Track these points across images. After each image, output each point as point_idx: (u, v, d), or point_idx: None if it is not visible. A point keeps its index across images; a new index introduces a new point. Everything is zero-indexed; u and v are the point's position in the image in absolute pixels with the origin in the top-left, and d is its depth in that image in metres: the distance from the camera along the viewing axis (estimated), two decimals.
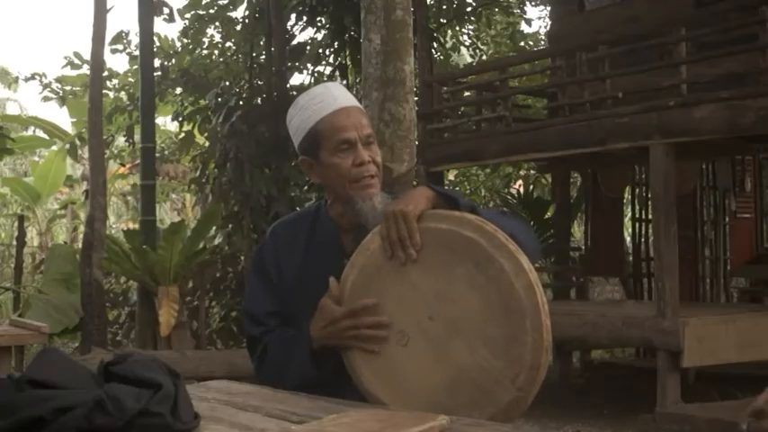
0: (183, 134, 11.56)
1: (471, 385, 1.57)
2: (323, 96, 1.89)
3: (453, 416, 1.46)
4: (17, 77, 20.56)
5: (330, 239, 1.91)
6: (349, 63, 10.26)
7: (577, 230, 13.00)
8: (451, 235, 1.60)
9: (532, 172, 12.89)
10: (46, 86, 13.09)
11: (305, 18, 10.34)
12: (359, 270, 1.69)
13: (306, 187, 9.24)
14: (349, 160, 1.83)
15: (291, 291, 1.90)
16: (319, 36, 10.61)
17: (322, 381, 1.77)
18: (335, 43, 10.14)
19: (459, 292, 1.59)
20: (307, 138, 1.89)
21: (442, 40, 11.62)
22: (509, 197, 11.80)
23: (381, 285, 1.66)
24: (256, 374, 1.93)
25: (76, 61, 12.08)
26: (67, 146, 13.66)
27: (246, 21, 10.93)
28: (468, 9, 11.85)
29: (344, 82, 10.58)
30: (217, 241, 9.40)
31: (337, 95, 1.89)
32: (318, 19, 10.36)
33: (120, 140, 13.07)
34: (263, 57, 10.33)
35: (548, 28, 11.18)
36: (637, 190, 9.33)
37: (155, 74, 9.65)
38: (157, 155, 11.04)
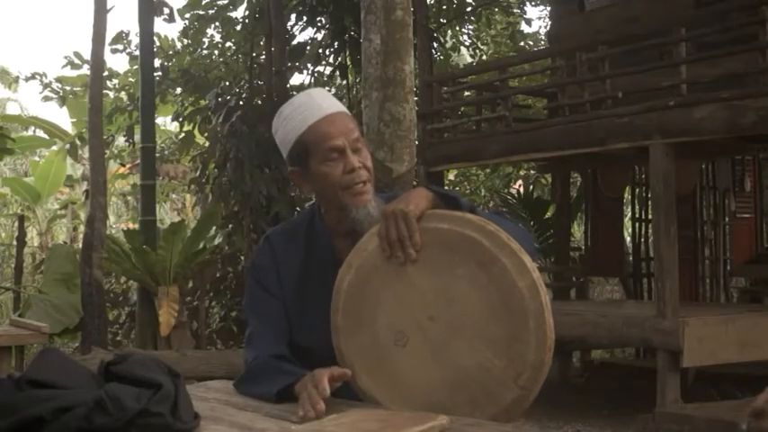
0: (183, 134, 11.57)
1: (472, 385, 1.57)
2: (307, 105, 1.85)
3: (453, 415, 1.46)
4: (17, 77, 20.58)
5: (327, 247, 1.89)
6: (349, 63, 10.26)
7: (577, 230, 13.00)
8: (453, 235, 1.59)
9: (532, 172, 12.90)
10: (46, 86, 13.10)
11: (305, 18, 10.34)
12: (355, 270, 1.68)
13: None
14: (339, 168, 1.80)
15: (291, 301, 1.89)
16: (319, 36, 10.63)
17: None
18: (335, 43, 10.14)
19: (461, 292, 1.58)
20: (294, 148, 1.85)
21: (442, 40, 11.61)
22: (509, 197, 11.79)
23: (378, 286, 1.65)
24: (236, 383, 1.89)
25: (76, 61, 12.09)
26: (67, 146, 13.68)
27: (246, 21, 10.93)
28: (468, 9, 11.85)
29: (344, 82, 10.60)
30: (217, 241, 9.40)
31: (321, 102, 1.85)
32: (318, 19, 10.36)
33: (120, 140, 13.08)
34: (263, 57, 10.34)
35: (548, 28, 11.18)
36: (637, 190, 9.33)
37: (155, 74, 9.66)
38: (157, 155, 11.04)
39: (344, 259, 1.73)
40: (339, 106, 1.88)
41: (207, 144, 10.28)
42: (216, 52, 11.80)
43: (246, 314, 1.99)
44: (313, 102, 1.86)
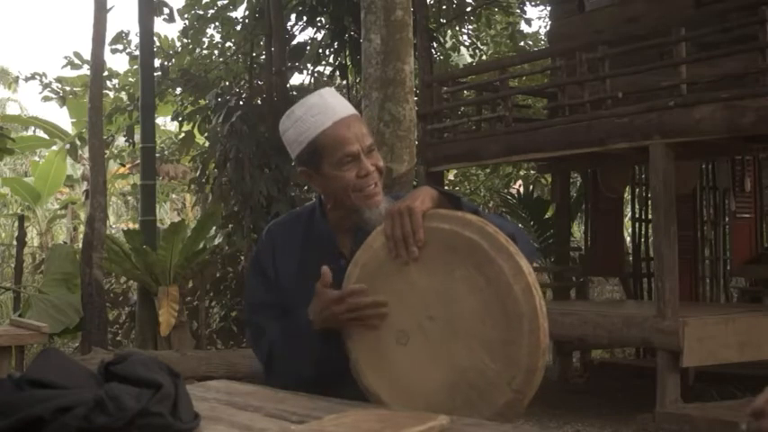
0: (182, 134, 11.57)
1: (468, 386, 1.57)
2: (320, 107, 1.84)
3: (452, 416, 1.46)
4: (17, 77, 20.61)
5: (326, 241, 1.90)
6: (349, 63, 10.26)
7: (577, 230, 13.00)
8: (453, 235, 1.60)
9: (532, 172, 12.89)
10: (46, 86, 13.07)
11: (305, 18, 10.35)
12: (361, 267, 1.69)
13: (306, 187, 9.24)
14: (353, 172, 1.81)
15: (289, 291, 1.89)
16: (319, 36, 10.64)
17: (325, 376, 1.77)
18: (335, 43, 10.14)
19: (459, 293, 1.59)
20: (306, 150, 1.85)
21: (441, 40, 11.61)
22: (509, 197, 11.79)
23: (383, 283, 1.66)
24: (265, 377, 1.91)
25: (76, 61, 12.07)
26: (67, 146, 13.67)
27: (246, 21, 10.93)
28: (468, 9, 11.85)
29: (344, 82, 10.60)
30: (217, 241, 9.41)
31: (335, 105, 1.85)
32: (318, 19, 10.37)
33: (120, 140, 13.08)
34: (263, 57, 10.34)
35: (548, 28, 11.18)
36: (637, 190, 9.33)
37: (155, 74, 9.65)
38: (157, 155, 11.04)
39: (344, 253, 1.76)
40: (351, 108, 1.89)
41: (207, 144, 10.28)
42: (216, 52, 11.79)
43: (246, 304, 2.00)
44: (326, 104, 1.85)
